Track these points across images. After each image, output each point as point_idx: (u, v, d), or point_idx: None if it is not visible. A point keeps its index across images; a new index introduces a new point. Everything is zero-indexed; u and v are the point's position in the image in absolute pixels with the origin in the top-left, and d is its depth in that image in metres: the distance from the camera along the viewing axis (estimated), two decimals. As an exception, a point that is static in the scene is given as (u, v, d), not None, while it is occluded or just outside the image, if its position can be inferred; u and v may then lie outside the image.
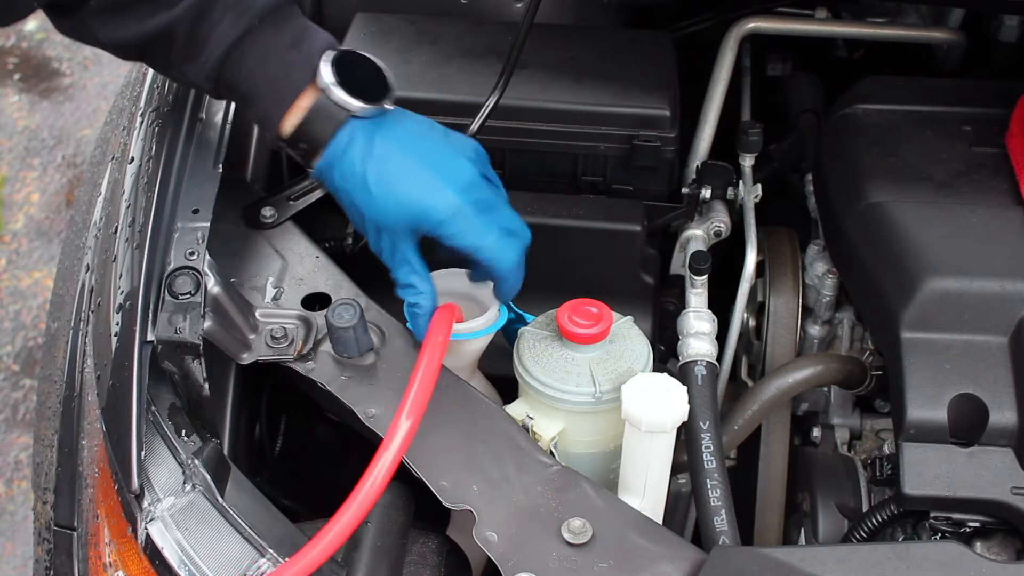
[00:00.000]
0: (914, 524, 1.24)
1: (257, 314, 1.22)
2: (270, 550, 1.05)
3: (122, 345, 1.14)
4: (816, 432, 1.53)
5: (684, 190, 1.55)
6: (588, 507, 1.08)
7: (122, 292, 1.17)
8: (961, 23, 1.72)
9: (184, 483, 1.08)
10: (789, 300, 1.53)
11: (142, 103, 1.38)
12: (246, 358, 1.20)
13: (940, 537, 1.20)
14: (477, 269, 1.21)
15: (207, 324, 1.15)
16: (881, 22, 1.78)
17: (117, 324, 1.16)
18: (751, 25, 1.68)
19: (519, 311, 1.27)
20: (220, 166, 1.28)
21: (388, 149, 1.14)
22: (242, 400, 1.32)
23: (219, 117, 1.33)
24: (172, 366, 1.15)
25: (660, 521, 1.17)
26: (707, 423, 1.23)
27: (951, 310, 1.23)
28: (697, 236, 1.50)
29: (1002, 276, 1.24)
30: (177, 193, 1.24)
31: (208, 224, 1.22)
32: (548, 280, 1.42)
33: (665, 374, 1.15)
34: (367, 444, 1.13)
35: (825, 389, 1.52)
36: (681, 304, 1.47)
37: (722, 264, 1.50)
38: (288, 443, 1.46)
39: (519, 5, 1.75)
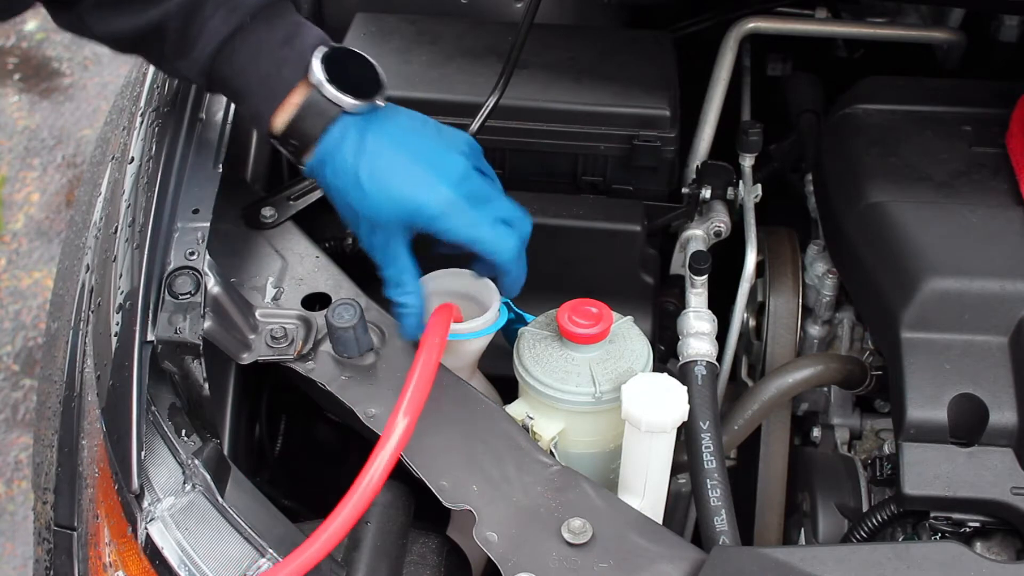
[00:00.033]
0: (914, 524, 1.24)
1: (257, 314, 1.22)
2: (270, 550, 1.05)
3: (122, 345, 1.14)
4: (816, 432, 1.53)
5: (684, 190, 1.55)
6: (588, 507, 1.08)
7: (122, 292, 1.17)
8: (961, 23, 1.72)
9: (184, 483, 1.08)
10: (789, 300, 1.53)
11: (142, 103, 1.38)
12: (246, 358, 1.20)
13: (940, 537, 1.20)
14: (478, 264, 1.21)
15: (207, 324, 1.15)
16: (881, 22, 1.78)
17: (117, 324, 1.16)
18: (751, 25, 1.68)
19: (519, 311, 1.27)
20: (220, 166, 1.28)
21: (380, 145, 1.14)
22: (242, 400, 1.32)
23: (219, 117, 1.33)
24: (172, 366, 1.15)
25: (660, 521, 1.17)
26: (707, 423, 1.23)
27: (951, 310, 1.23)
28: (697, 236, 1.50)
29: (1002, 276, 1.24)
30: (177, 193, 1.24)
31: (208, 224, 1.22)
32: (548, 280, 1.42)
33: (665, 374, 1.15)
34: (367, 444, 1.13)
35: (825, 389, 1.52)
36: (681, 304, 1.47)
37: (722, 264, 1.50)
38: (288, 443, 1.46)
39: (519, 5, 1.75)
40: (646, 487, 1.17)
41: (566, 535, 1.05)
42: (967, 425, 1.19)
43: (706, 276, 1.40)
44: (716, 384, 1.33)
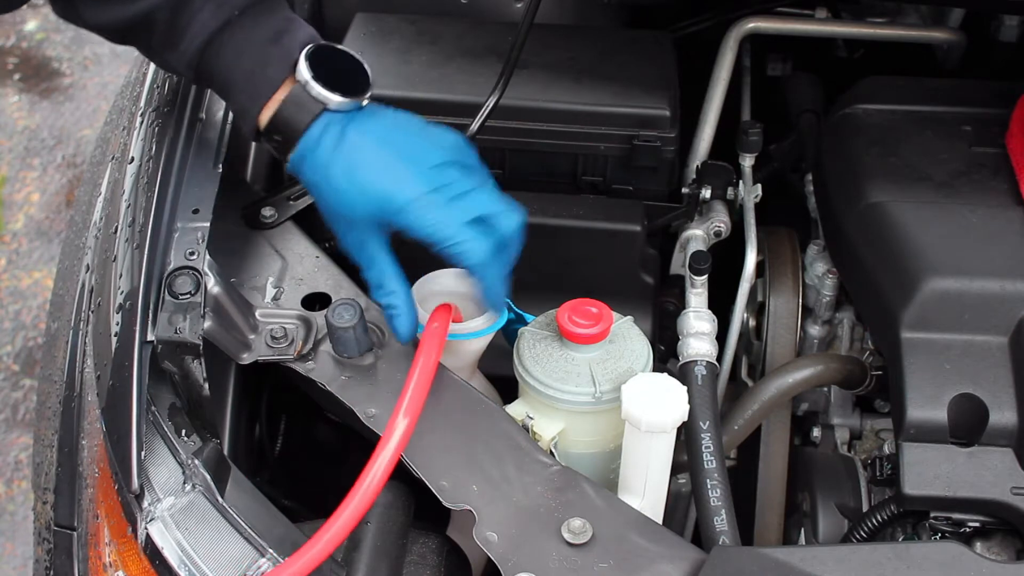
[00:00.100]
0: (914, 524, 1.24)
1: (257, 314, 1.22)
2: (270, 550, 1.05)
3: (122, 345, 1.14)
4: (816, 432, 1.53)
5: (684, 190, 1.55)
6: (588, 507, 1.08)
7: (122, 292, 1.18)
8: (961, 23, 1.72)
9: (184, 483, 1.08)
10: (789, 300, 1.52)
11: (142, 103, 1.38)
12: (246, 358, 1.20)
13: (940, 537, 1.20)
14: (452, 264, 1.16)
15: (207, 324, 1.15)
16: (881, 22, 1.78)
17: (117, 324, 1.16)
18: (751, 25, 1.68)
19: (519, 311, 1.26)
20: (220, 166, 1.28)
21: (359, 141, 1.12)
22: (242, 400, 1.32)
23: (219, 117, 1.33)
24: (172, 366, 1.15)
25: (660, 521, 1.17)
26: (707, 423, 1.23)
27: (951, 310, 1.23)
28: (697, 236, 1.50)
29: (1002, 276, 1.24)
30: (177, 193, 1.24)
31: (208, 224, 1.22)
32: (548, 280, 1.43)
33: (665, 374, 1.15)
34: (367, 444, 1.13)
35: (825, 389, 1.52)
36: (681, 304, 1.47)
37: (722, 264, 1.50)
38: (288, 443, 1.46)
39: (519, 5, 1.75)
40: (646, 487, 1.17)
41: (566, 535, 1.05)
42: (967, 425, 1.19)
43: (706, 276, 1.40)
44: (716, 384, 1.33)
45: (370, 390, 1.16)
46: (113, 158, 1.46)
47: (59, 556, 1.24)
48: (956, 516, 1.19)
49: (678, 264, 1.56)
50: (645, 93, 1.50)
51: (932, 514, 1.20)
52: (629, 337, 1.23)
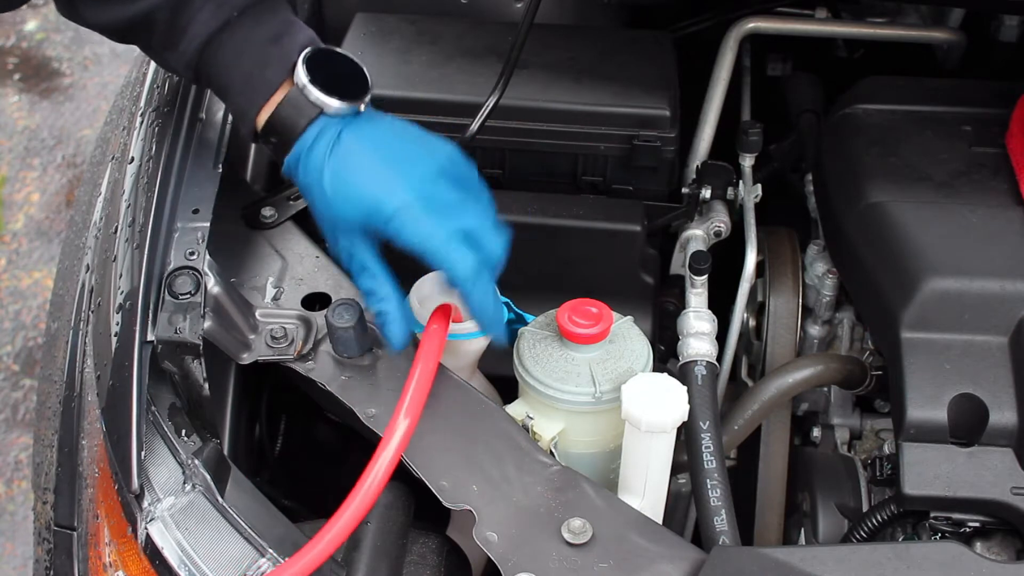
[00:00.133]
0: (914, 524, 1.24)
1: (257, 314, 1.22)
2: (270, 550, 1.05)
3: (122, 345, 1.14)
4: (816, 432, 1.53)
5: (684, 190, 1.55)
6: (588, 507, 1.08)
7: (122, 292, 1.18)
8: (961, 23, 1.72)
9: (184, 483, 1.08)
10: (789, 300, 1.52)
11: (142, 103, 1.38)
12: (246, 358, 1.20)
13: (940, 537, 1.20)
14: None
15: (207, 324, 1.15)
16: (881, 22, 1.78)
17: (117, 324, 1.16)
18: (751, 25, 1.68)
19: (519, 311, 1.27)
20: (220, 166, 1.28)
21: (352, 146, 1.11)
22: (242, 400, 1.32)
23: (219, 117, 1.33)
24: (172, 366, 1.15)
25: (660, 521, 1.17)
26: (707, 423, 1.23)
27: (951, 310, 1.23)
28: (697, 236, 1.50)
29: (1002, 276, 1.24)
30: (177, 193, 1.24)
31: (208, 224, 1.22)
32: (548, 280, 1.43)
33: (665, 374, 1.15)
34: (367, 444, 1.13)
35: (825, 389, 1.52)
36: (681, 304, 1.47)
37: (722, 264, 1.50)
38: (288, 443, 1.46)
39: (519, 5, 1.75)
40: (646, 487, 1.17)
41: (566, 535, 1.05)
42: (967, 425, 1.19)
43: (706, 276, 1.40)
44: (716, 384, 1.33)
45: (370, 390, 1.16)
46: (113, 158, 1.46)
47: (59, 556, 1.24)
48: (956, 516, 1.19)
49: (678, 264, 1.56)
50: (645, 93, 1.50)
51: (932, 514, 1.20)
52: (629, 337, 1.23)
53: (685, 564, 1.04)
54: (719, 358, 1.38)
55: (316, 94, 1.11)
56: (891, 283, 1.27)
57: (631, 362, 1.20)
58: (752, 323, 1.58)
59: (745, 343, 1.59)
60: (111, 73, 3.76)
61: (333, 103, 1.12)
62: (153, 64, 1.38)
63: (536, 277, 1.42)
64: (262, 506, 1.09)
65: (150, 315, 1.14)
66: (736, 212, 1.53)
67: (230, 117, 1.33)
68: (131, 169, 1.29)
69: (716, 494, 1.18)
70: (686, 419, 1.13)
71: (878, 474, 1.33)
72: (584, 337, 1.19)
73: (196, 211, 1.23)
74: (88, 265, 1.36)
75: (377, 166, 1.10)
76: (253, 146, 1.49)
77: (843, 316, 1.51)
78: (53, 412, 1.36)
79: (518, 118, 1.49)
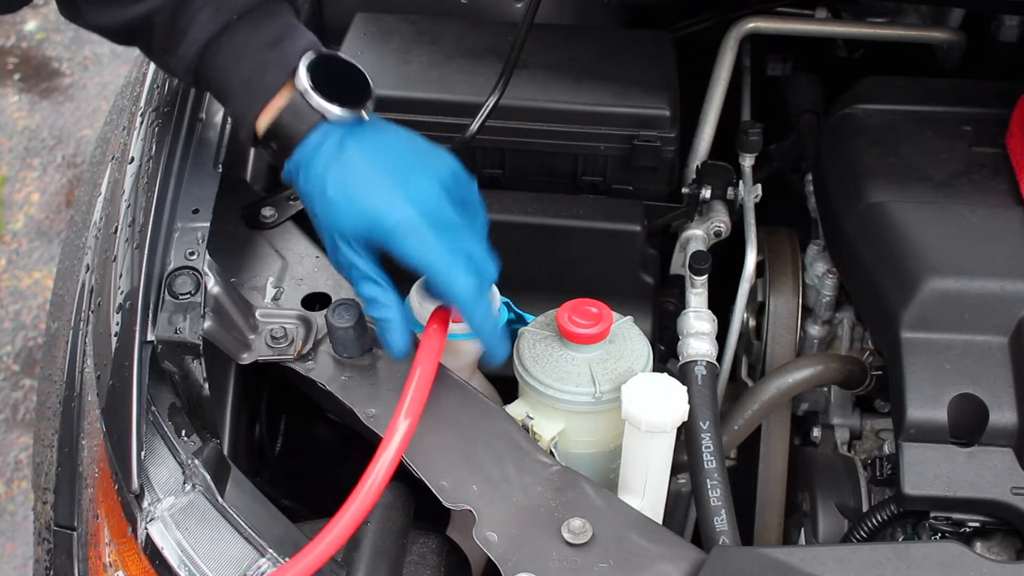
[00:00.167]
0: (914, 524, 1.24)
1: (257, 314, 1.22)
2: (270, 550, 1.05)
3: (122, 345, 1.14)
4: (816, 432, 1.53)
5: (684, 190, 1.55)
6: (588, 507, 1.08)
7: (122, 292, 1.18)
8: (961, 23, 1.72)
9: (184, 483, 1.08)
10: (789, 300, 1.53)
11: (142, 103, 1.38)
12: (246, 358, 1.20)
13: (940, 537, 1.20)
14: (438, 295, 1.15)
15: (207, 324, 1.15)
16: (881, 22, 1.78)
17: (117, 324, 1.16)
18: (751, 25, 1.68)
19: (519, 311, 1.27)
20: (220, 166, 1.28)
21: (355, 156, 1.10)
22: (242, 400, 1.32)
23: (219, 117, 1.33)
24: (172, 366, 1.15)
25: (660, 521, 1.17)
26: (707, 423, 1.23)
27: (951, 310, 1.23)
28: (697, 236, 1.50)
29: (1002, 276, 1.24)
30: (177, 193, 1.24)
31: (208, 224, 1.22)
32: (548, 280, 1.43)
33: (665, 374, 1.15)
34: (367, 444, 1.13)
35: (825, 389, 1.52)
36: (681, 304, 1.47)
37: (722, 264, 1.50)
38: (288, 443, 1.46)
39: (519, 5, 1.75)
40: (646, 487, 1.17)
41: (566, 535, 1.05)
42: (967, 425, 1.19)
43: (706, 276, 1.40)
44: (716, 384, 1.33)
45: (370, 390, 1.16)
46: (113, 158, 1.46)
47: (59, 556, 1.24)
48: (956, 516, 1.19)
49: (678, 264, 1.56)
50: (645, 93, 1.50)
51: (932, 514, 1.20)
52: (629, 337, 1.23)
53: (685, 564, 1.04)
54: (719, 358, 1.38)
55: (318, 100, 1.11)
56: (891, 283, 1.27)
57: (631, 362, 1.20)
58: (752, 323, 1.58)
59: (745, 343, 1.59)
60: (111, 73, 3.76)
61: (335, 110, 1.11)
62: (153, 64, 1.38)
63: (536, 277, 1.42)
64: (262, 506, 1.09)
65: (150, 315, 1.14)
66: (736, 212, 1.53)
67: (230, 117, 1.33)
68: (131, 169, 1.29)
69: (716, 494, 1.18)
70: (686, 419, 1.13)
71: (878, 474, 1.33)
72: (584, 337, 1.19)
73: (196, 211, 1.23)
74: (88, 265, 1.36)
75: (380, 178, 1.09)
76: (253, 146, 1.49)
77: (843, 316, 1.51)
78: (53, 412, 1.36)
79: (518, 118, 1.49)
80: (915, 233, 1.29)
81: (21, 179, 3.43)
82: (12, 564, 2.53)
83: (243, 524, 1.06)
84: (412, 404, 1.07)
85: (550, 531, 1.06)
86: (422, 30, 1.60)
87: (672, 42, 1.63)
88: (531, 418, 1.21)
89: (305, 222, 1.35)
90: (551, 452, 1.20)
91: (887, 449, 1.40)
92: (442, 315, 1.15)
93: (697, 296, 1.39)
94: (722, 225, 1.51)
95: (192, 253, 1.19)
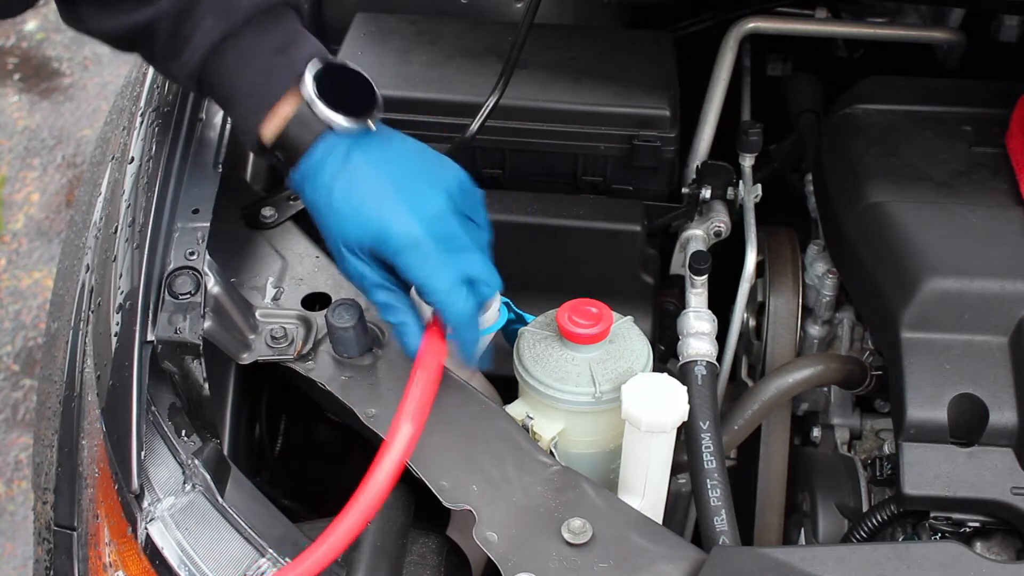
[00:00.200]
0: (914, 524, 1.24)
1: (257, 314, 1.22)
2: (270, 550, 1.05)
3: (122, 345, 1.14)
4: (816, 432, 1.53)
5: (684, 190, 1.55)
6: (588, 507, 1.08)
7: (122, 292, 1.18)
8: (961, 23, 1.72)
9: (184, 483, 1.08)
10: (789, 300, 1.53)
11: (142, 103, 1.38)
12: (246, 358, 1.20)
13: (940, 537, 1.21)
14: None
15: (207, 324, 1.15)
16: (881, 22, 1.78)
17: (117, 324, 1.16)
18: (751, 25, 1.68)
19: (519, 311, 1.27)
20: (220, 166, 1.28)
21: (362, 168, 1.10)
22: (242, 400, 1.32)
23: (219, 117, 1.33)
24: (172, 366, 1.15)
25: (660, 521, 1.17)
26: (707, 423, 1.23)
27: (951, 310, 1.23)
28: (697, 236, 1.50)
29: (1002, 276, 1.24)
30: (177, 193, 1.24)
31: (208, 224, 1.22)
32: (548, 280, 1.43)
33: (665, 374, 1.15)
34: (367, 444, 1.13)
35: (825, 389, 1.52)
36: (681, 304, 1.47)
37: (722, 264, 1.50)
38: (288, 443, 1.46)
39: (519, 5, 1.75)
40: (646, 487, 1.17)
41: (566, 535, 1.05)
42: (967, 425, 1.19)
43: (706, 276, 1.40)
44: (716, 384, 1.33)
45: (370, 390, 1.16)
46: (113, 158, 1.46)
47: (59, 556, 1.24)
48: (956, 516, 1.19)
49: (678, 264, 1.56)
50: (645, 93, 1.50)
51: (932, 514, 1.20)
52: (629, 337, 1.23)
53: (685, 564, 1.04)
54: (719, 358, 1.38)
55: (324, 111, 1.10)
56: (891, 283, 1.27)
57: (631, 362, 1.20)
58: (752, 323, 1.58)
59: (745, 343, 1.59)
60: (111, 73, 3.76)
61: (341, 121, 1.10)
62: (156, 70, 1.38)
63: (536, 277, 1.42)
64: (262, 506, 1.09)
65: (150, 315, 1.14)
66: (736, 212, 1.53)
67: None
68: (131, 169, 1.29)
69: (716, 494, 1.18)
70: (686, 419, 1.13)
71: (878, 474, 1.33)
72: (584, 337, 1.19)
73: (196, 211, 1.23)
74: (88, 265, 1.36)
75: (387, 189, 1.09)
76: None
77: (843, 316, 1.51)
78: (53, 412, 1.36)
79: (518, 118, 1.49)
80: (915, 233, 1.29)
81: (21, 179, 3.43)
82: (12, 564, 2.53)
83: (243, 524, 1.06)
84: (417, 408, 1.06)
85: (550, 531, 1.06)
86: (422, 30, 1.60)
87: (672, 42, 1.63)
88: (531, 418, 1.21)
89: (305, 222, 1.35)
90: (551, 452, 1.20)
91: (887, 449, 1.40)
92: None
93: (697, 296, 1.39)
94: (722, 225, 1.51)
95: (192, 253, 1.19)
